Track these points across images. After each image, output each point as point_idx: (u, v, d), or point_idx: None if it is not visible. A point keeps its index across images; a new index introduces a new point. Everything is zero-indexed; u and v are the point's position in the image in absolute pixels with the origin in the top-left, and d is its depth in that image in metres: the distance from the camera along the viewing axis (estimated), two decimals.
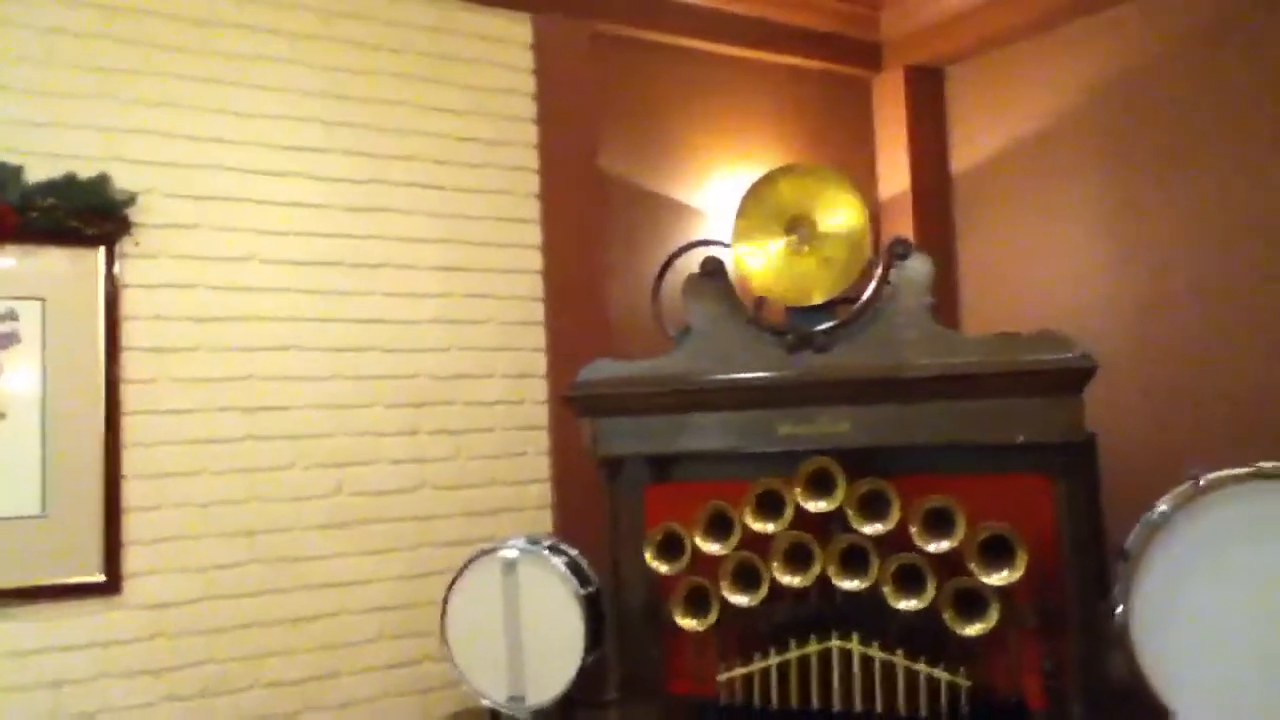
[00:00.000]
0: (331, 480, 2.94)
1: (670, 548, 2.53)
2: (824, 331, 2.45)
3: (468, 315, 3.19)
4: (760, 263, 2.55)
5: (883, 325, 2.41)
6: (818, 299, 2.49)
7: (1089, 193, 3.61)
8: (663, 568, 2.52)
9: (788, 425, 2.44)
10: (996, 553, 2.23)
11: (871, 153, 4.20)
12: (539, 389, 3.30)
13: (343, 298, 3.00)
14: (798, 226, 2.52)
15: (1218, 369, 3.22)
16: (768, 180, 2.58)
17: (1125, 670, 2.08)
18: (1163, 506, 2.14)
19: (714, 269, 2.59)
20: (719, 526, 2.48)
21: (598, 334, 3.35)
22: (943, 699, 2.26)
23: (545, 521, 3.25)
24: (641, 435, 2.60)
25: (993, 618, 2.22)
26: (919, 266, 2.41)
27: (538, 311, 3.32)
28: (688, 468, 2.66)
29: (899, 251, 2.43)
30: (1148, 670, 2.03)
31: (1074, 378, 2.22)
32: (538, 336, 3.32)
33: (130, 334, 2.70)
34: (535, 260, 3.33)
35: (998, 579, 2.21)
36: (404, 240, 3.11)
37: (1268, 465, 2.04)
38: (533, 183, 3.34)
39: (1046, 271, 3.74)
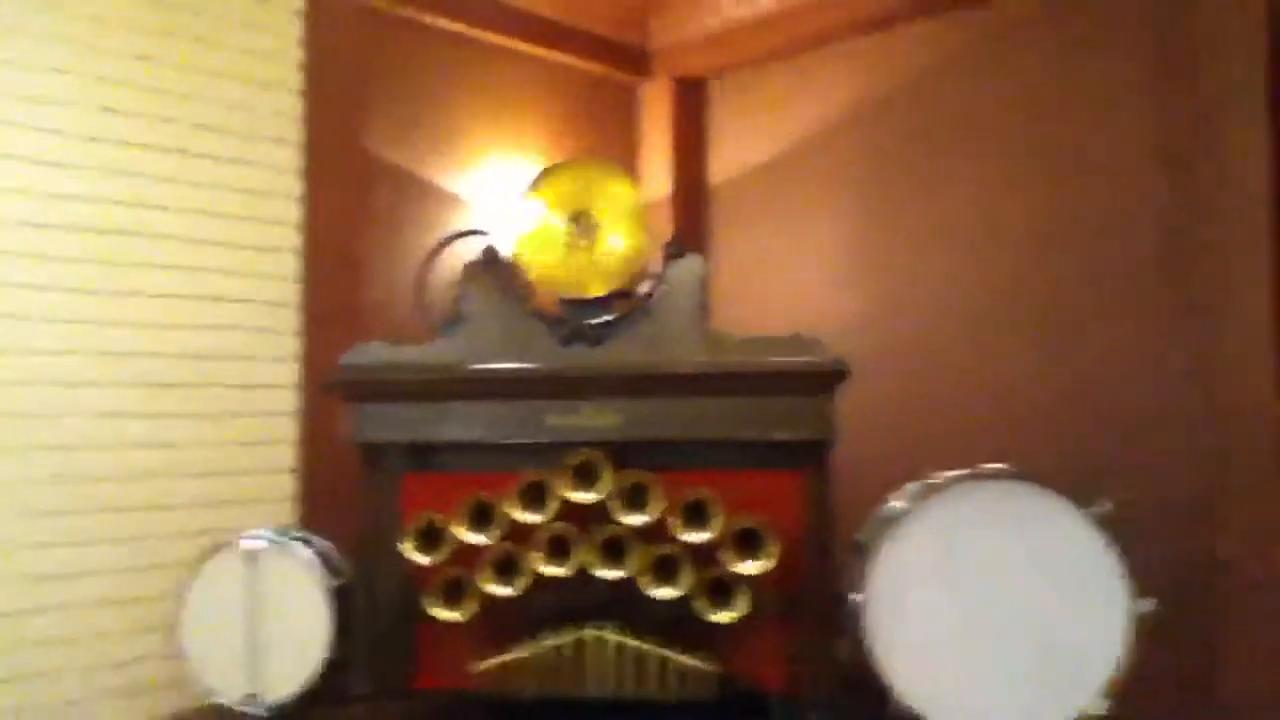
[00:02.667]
0: (57, 463, 2.68)
1: (430, 538, 2.46)
2: (598, 325, 2.48)
3: (220, 292, 3.01)
4: (538, 254, 2.55)
5: (656, 322, 2.46)
6: (594, 292, 2.51)
7: (838, 208, 3.87)
8: (421, 559, 2.45)
9: (556, 417, 2.45)
10: (750, 544, 2.33)
11: (634, 156, 4.30)
12: (290, 373, 3.15)
13: (83, 266, 2.75)
14: (578, 219, 2.54)
15: (950, 376, 3.53)
16: (551, 171, 2.58)
17: (857, 657, 2.23)
18: (895, 503, 2.32)
19: (493, 257, 2.56)
20: (481, 517, 2.44)
21: (354, 319, 3.25)
22: (692, 686, 2.32)
23: (291, 513, 3.11)
24: (405, 423, 2.52)
25: (743, 606, 2.30)
26: (693, 267, 2.48)
27: (293, 293, 3.17)
28: (451, 457, 2.60)
29: (673, 251, 2.49)
30: (878, 657, 2.18)
31: (828, 379, 2.36)
32: (291, 319, 3.17)
33: None
34: (293, 239, 3.18)
35: (750, 569, 2.30)
36: (155, 208, 2.89)
37: (987, 466, 2.26)
38: (295, 158, 3.19)
39: (795, 281, 3.97)
